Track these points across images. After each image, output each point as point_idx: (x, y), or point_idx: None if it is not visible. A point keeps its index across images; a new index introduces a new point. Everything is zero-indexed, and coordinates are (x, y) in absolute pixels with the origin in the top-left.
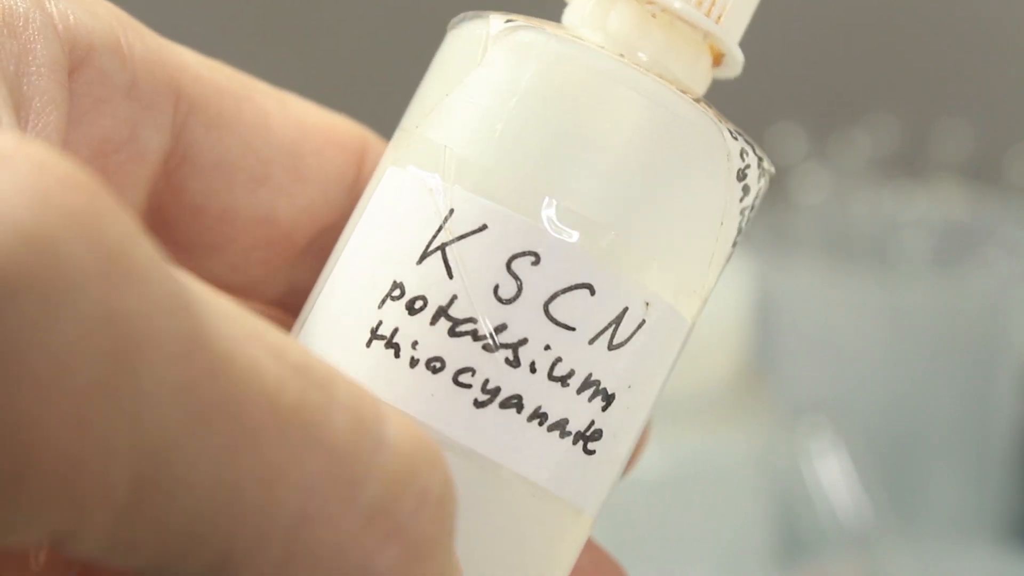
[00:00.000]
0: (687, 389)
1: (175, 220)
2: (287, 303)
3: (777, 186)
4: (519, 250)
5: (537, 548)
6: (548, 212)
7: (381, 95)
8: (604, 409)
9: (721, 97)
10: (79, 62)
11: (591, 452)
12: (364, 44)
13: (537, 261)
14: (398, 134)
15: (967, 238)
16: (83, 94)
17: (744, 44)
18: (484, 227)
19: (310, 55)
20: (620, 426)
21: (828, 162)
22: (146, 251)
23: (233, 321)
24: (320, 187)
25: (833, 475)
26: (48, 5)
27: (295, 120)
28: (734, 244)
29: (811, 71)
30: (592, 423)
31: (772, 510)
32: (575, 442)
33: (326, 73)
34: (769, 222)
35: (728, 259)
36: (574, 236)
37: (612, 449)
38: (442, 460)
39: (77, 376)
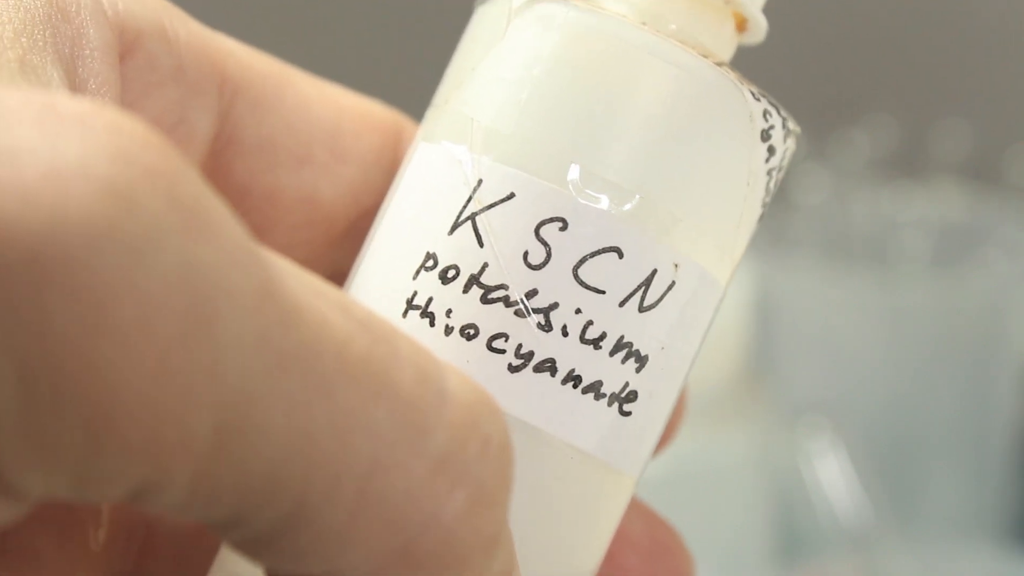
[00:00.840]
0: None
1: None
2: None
3: (776, 186)
4: (547, 216)
5: (576, 509)
6: (574, 178)
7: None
8: (638, 371)
9: None
10: (129, 47)
11: (627, 413)
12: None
13: (565, 227)
14: (429, 111)
15: (966, 238)
16: (134, 79)
17: (742, 45)
18: (512, 195)
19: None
20: (655, 387)
21: (828, 162)
22: (219, 207)
23: (298, 278)
24: (360, 168)
25: (832, 475)
26: None
27: (333, 103)
28: (763, 206)
29: (810, 72)
30: (627, 385)
31: (772, 510)
32: (610, 404)
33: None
34: (769, 222)
35: (758, 221)
36: (600, 200)
37: (649, 410)
38: (500, 411)
39: (160, 326)
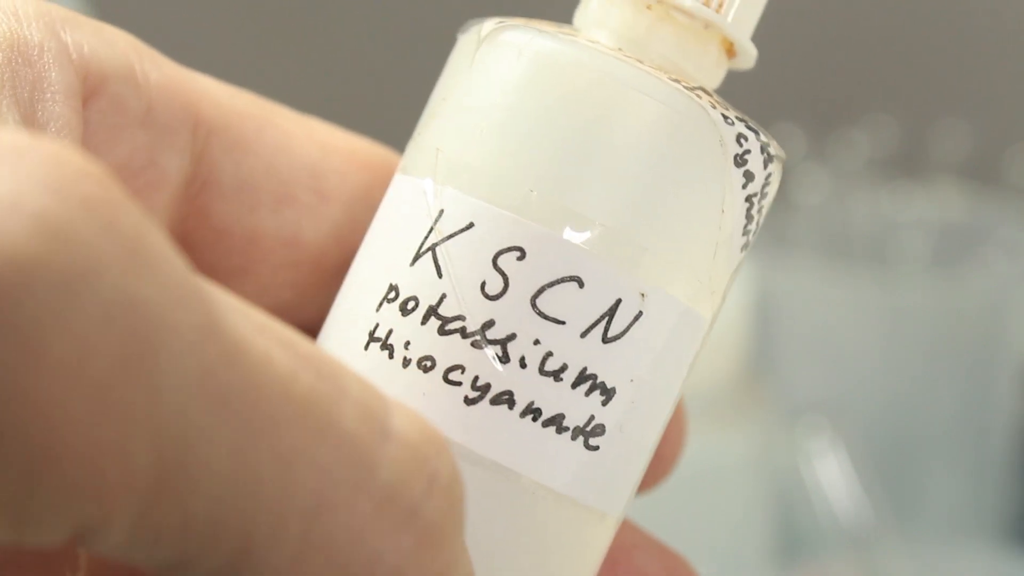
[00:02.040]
0: (686, 389)
1: (202, 244)
2: (320, 328)
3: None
4: (504, 246)
5: (541, 548)
6: (533, 207)
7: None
8: (605, 404)
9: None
10: (93, 90)
11: (594, 448)
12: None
13: (523, 256)
14: (408, 143)
15: (966, 238)
16: (98, 122)
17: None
18: (471, 225)
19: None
20: (626, 420)
21: (827, 162)
22: (160, 241)
23: (243, 314)
24: (345, 207)
25: (832, 475)
26: (63, 35)
27: (317, 142)
28: (746, 234)
29: (810, 72)
30: (592, 418)
31: (771, 510)
32: (574, 438)
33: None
34: (768, 222)
35: (744, 248)
36: (561, 230)
37: (620, 444)
38: (448, 449)
39: (98, 362)
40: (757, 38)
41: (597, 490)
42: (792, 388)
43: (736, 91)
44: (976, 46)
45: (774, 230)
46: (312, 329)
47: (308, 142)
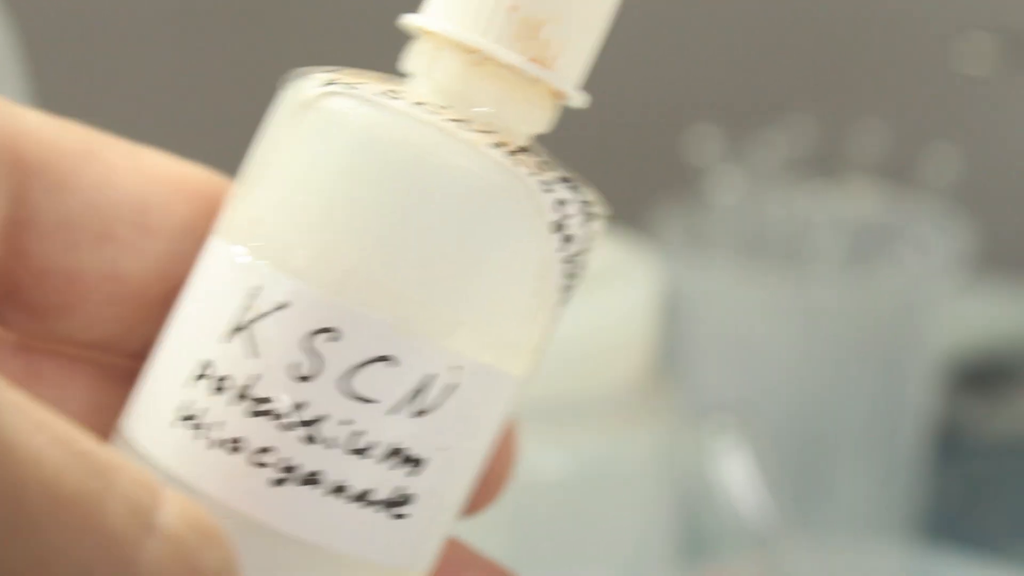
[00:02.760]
0: (592, 390)
1: (24, 283)
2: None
3: (692, 187)
4: (318, 327)
5: None
6: (348, 287)
7: None
8: (414, 474)
9: (637, 100)
10: None
11: (401, 516)
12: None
13: (336, 337)
14: (232, 199)
15: (880, 237)
16: None
17: (661, 46)
18: (286, 304)
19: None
20: (436, 486)
21: (743, 162)
22: None
23: (20, 412)
24: (168, 241)
25: (737, 475)
26: None
27: (143, 174)
28: (564, 290)
29: (727, 72)
30: (399, 489)
31: (676, 510)
32: (380, 510)
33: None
34: (683, 222)
35: (564, 303)
36: (375, 309)
37: (430, 508)
38: (220, 540)
39: None
40: (676, 38)
41: (405, 552)
42: (703, 388)
43: (654, 92)
44: (892, 46)
45: (688, 230)
46: (142, 359)
47: (133, 175)
